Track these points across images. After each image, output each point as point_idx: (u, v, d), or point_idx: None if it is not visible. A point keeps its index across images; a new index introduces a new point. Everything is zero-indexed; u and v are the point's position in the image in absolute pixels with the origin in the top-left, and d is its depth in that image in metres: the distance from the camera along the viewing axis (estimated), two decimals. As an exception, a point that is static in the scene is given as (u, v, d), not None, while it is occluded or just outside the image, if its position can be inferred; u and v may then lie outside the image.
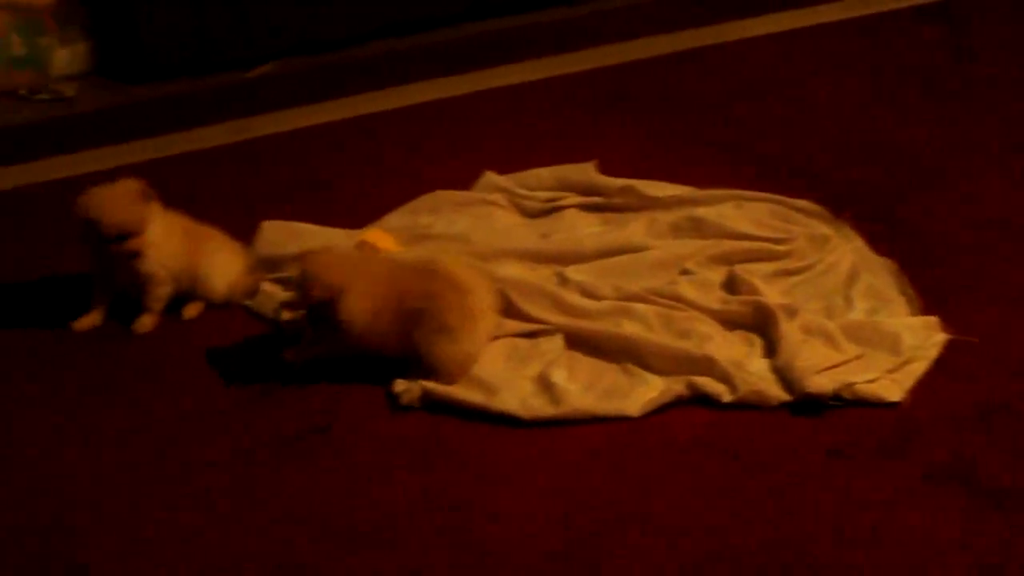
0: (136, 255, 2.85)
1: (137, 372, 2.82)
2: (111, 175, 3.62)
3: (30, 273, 3.21)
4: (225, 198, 3.44)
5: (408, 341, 2.67)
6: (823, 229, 3.11)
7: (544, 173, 3.40)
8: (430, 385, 2.61)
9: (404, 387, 2.64)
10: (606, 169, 3.42)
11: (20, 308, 3.08)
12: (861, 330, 2.73)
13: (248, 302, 3.00)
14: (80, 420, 2.67)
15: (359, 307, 2.68)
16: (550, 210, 3.29)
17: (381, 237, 3.07)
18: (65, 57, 4.15)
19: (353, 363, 2.77)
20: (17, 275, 3.22)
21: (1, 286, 3.18)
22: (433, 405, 2.62)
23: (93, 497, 2.45)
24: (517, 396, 2.60)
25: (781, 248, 3.02)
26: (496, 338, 2.78)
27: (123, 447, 2.58)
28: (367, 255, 2.95)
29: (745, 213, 3.17)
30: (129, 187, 2.87)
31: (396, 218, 3.27)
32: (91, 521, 2.38)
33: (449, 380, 2.65)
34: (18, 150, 3.87)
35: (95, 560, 2.29)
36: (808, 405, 2.55)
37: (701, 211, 3.16)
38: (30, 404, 2.74)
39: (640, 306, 2.82)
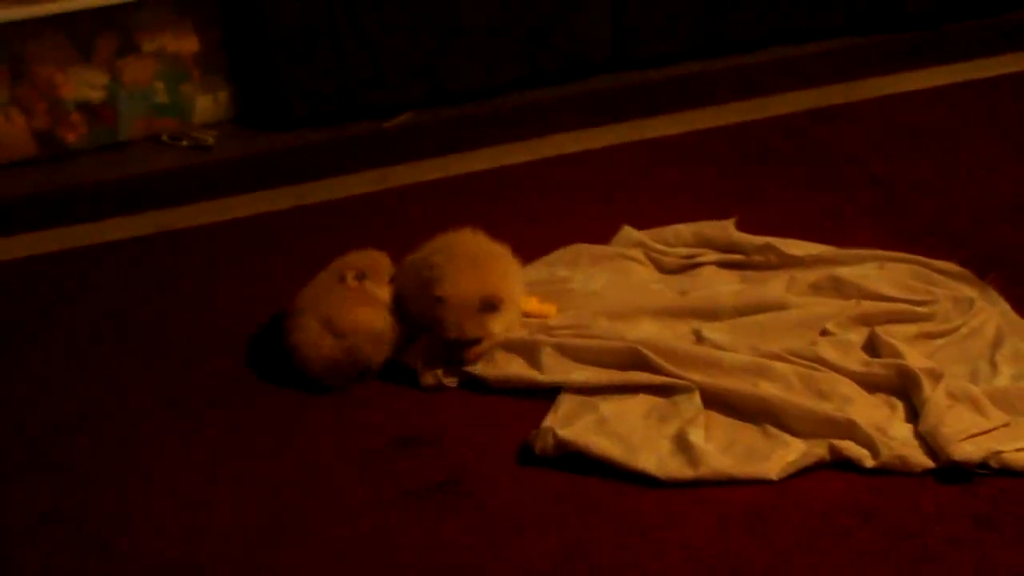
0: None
1: (277, 418, 2.88)
2: (252, 222, 3.78)
3: (173, 316, 3.30)
4: (364, 247, 3.49)
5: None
6: (967, 292, 3.08)
7: (683, 229, 3.41)
8: (565, 434, 2.63)
9: (538, 434, 2.67)
10: (745, 226, 3.42)
11: (169, 350, 3.17)
12: (1008, 396, 2.70)
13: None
14: (222, 465, 2.73)
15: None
16: (688, 266, 3.30)
17: (532, 303, 3.13)
18: (206, 104, 4.26)
19: (487, 414, 2.81)
20: (158, 319, 3.31)
21: (147, 330, 3.26)
22: (567, 458, 2.63)
23: (230, 540, 2.50)
24: (655, 455, 2.60)
25: (924, 310, 2.99)
26: (635, 392, 2.80)
27: (266, 495, 2.63)
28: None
29: (887, 274, 3.15)
30: None
31: (534, 271, 3.30)
32: (228, 566, 2.44)
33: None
34: (159, 195, 3.98)
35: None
36: (954, 472, 2.52)
37: (842, 271, 3.14)
38: (173, 445, 2.81)
39: (779, 365, 2.81)
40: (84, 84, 4.06)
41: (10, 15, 3.89)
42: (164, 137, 4.17)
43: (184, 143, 4.15)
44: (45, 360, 3.16)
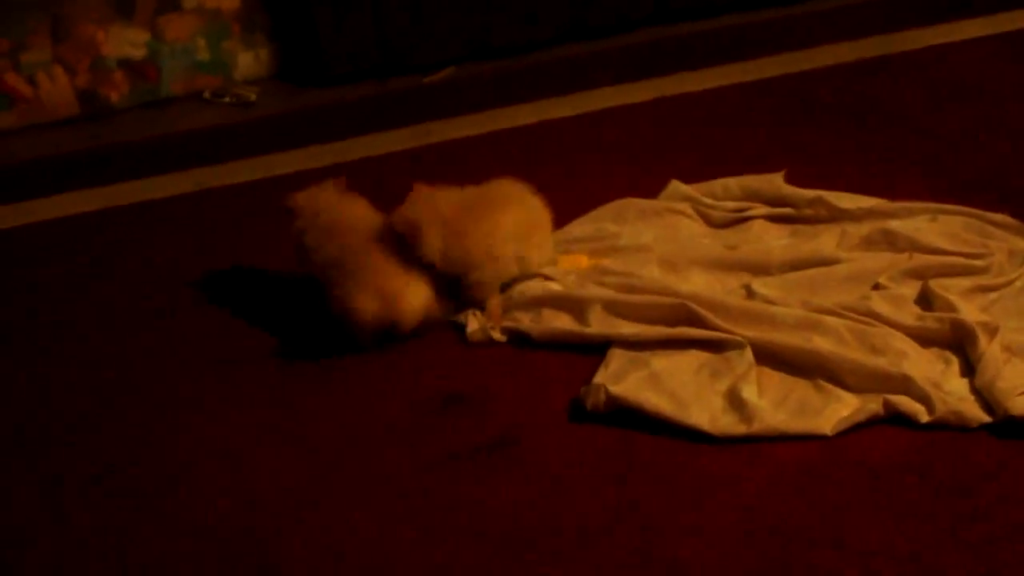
0: None
1: (323, 377, 2.87)
2: (294, 179, 3.76)
3: (217, 275, 3.30)
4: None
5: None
6: (1022, 244, 3.04)
7: (731, 183, 3.37)
8: (617, 390, 2.60)
9: (589, 390, 2.64)
10: (793, 180, 3.38)
11: (213, 309, 3.16)
12: (1065, 350, 2.67)
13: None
14: (272, 426, 2.72)
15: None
16: (737, 220, 3.27)
17: (577, 260, 3.10)
18: (248, 61, 4.25)
19: (536, 371, 2.80)
20: (202, 278, 3.31)
21: (190, 289, 3.26)
22: (618, 415, 2.61)
23: (283, 502, 2.49)
24: (707, 411, 2.58)
25: (978, 263, 2.95)
26: (686, 348, 2.77)
27: (313, 455, 2.62)
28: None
29: (940, 227, 3.11)
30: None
31: (580, 226, 3.28)
32: (280, 525, 2.42)
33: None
34: (202, 152, 3.97)
35: (285, 562, 2.33)
36: (1010, 427, 2.49)
37: (894, 224, 3.11)
38: (225, 408, 2.80)
39: (832, 320, 2.77)
40: (126, 42, 4.06)
41: (50, -26, 3.89)
42: (206, 94, 4.16)
43: (226, 100, 4.14)
44: (89, 320, 3.16)
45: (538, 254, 3.06)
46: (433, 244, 2.92)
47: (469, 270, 2.97)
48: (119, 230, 3.59)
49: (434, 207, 2.96)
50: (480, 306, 2.99)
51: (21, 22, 3.94)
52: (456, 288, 2.99)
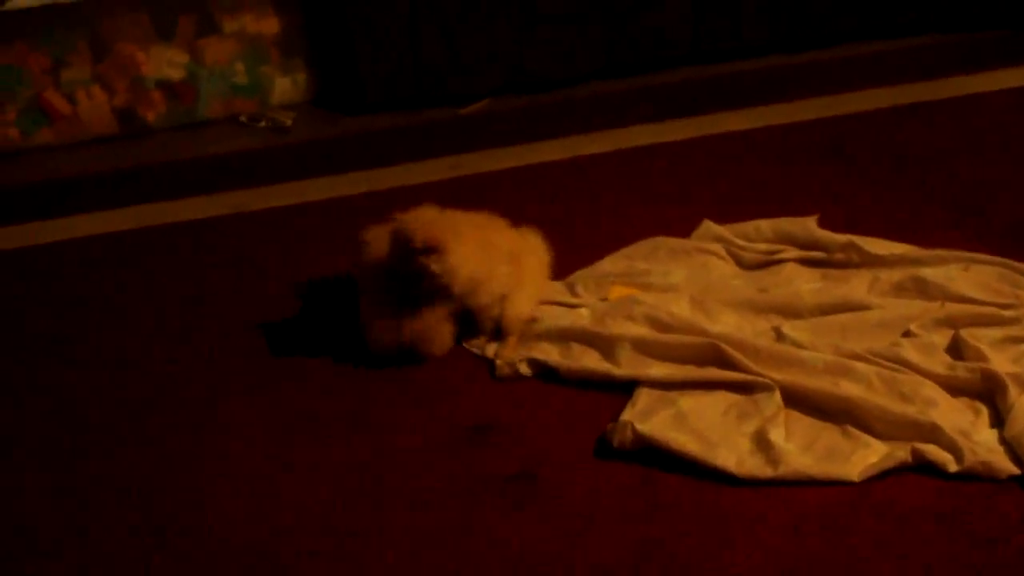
0: None
1: (351, 403, 2.87)
2: (326, 205, 3.78)
3: (248, 297, 3.31)
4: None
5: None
6: (1054, 296, 3.03)
7: (764, 225, 3.38)
8: (644, 429, 2.60)
9: (616, 428, 2.64)
10: (826, 224, 3.38)
11: (244, 331, 3.17)
12: (1094, 405, 2.65)
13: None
14: (300, 451, 2.72)
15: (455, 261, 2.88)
16: (769, 263, 3.27)
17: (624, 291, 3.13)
18: (285, 87, 4.27)
19: (562, 406, 2.79)
20: (234, 299, 3.32)
21: (222, 311, 3.27)
22: (643, 453, 2.61)
23: (307, 528, 2.49)
24: (734, 453, 2.57)
25: (1009, 314, 2.94)
26: (714, 389, 2.77)
27: (339, 481, 2.62)
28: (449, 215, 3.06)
29: (972, 276, 3.10)
30: None
31: (611, 262, 3.28)
32: (304, 551, 2.42)
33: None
34: (236, 176, 3.99)
35: (305, 589, 2.34)
36: (1039, 480, 2.48)
37: (926, 272, 3.10)
38: (253, 430, 2.80)
39: (861, 366, 2.76)
40: (165, 63, 4.09)
41: (92, -7, 3.93)
42: (243, 118, 4.19)
43: (262, 124, 4.16)
44: (121, 337, 3.17)
45: (530, 279, 3.09)
46: (454, 267, 2.92)
47: (473, 291, 2.98)
48: (154, 249, 3.61)
49: (452, 227, 2.97)
50: (489, 333, 3.01)
51: (62, 40, 3.97)
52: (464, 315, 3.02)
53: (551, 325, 3.01)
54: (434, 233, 2.91)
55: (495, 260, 3.01)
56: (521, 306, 3.03)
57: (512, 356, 2.94)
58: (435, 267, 2.89)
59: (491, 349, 2.99)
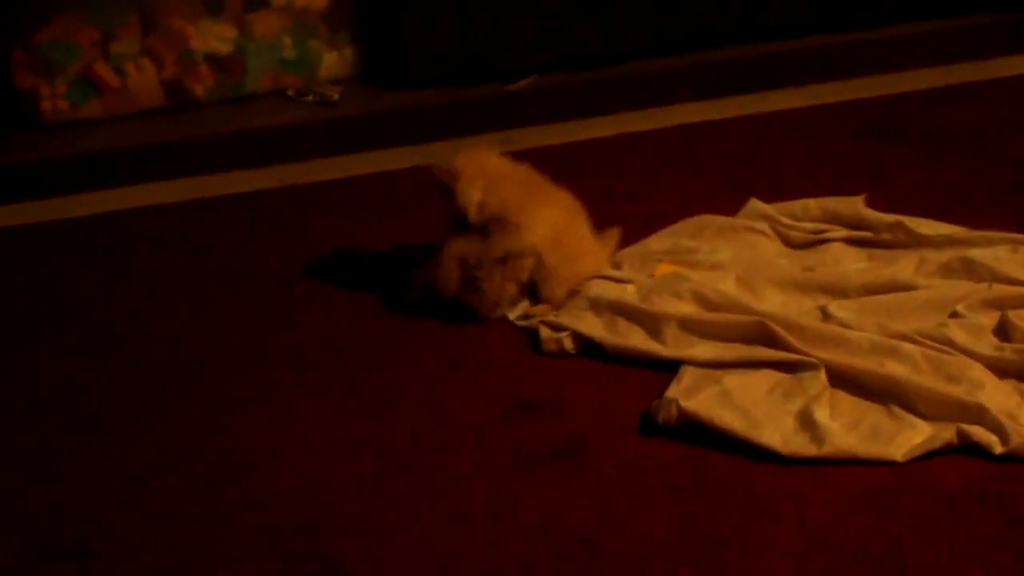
0: None
1: (397, 377, 2.89)
2: (373, 179, 3.80)
3: (295, 270, 3.33)
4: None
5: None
6: (1103, 278, 3.01)
7: (811, 204, 3.37)
8: (688, 406, 2.60)
9: (661, 404, 2.64)
10: (873, 203, 3.37)
11: (291, 303, 3.20)
12: None
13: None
14: (342, 424, 2.74)
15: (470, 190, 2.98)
16: (815, 242, 3.26)
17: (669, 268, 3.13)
18: (333, 61, 4.29)
19: (607, 382, 2.80)
20: (280, 272, 3.34)
21: (268, 283, 3.29)
22: (687, 430, 2.61)
23: (350, 501, 2.51)
24: (779, 431, 2.57)
25: (1058, 296, 2.93)
26: (759, 367, 2.77)
27: (380, 455, 2.64)
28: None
29: (1020, 257, 3.07)
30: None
31: (658, 240, 3.28)
32: (345, 524, 2.44)
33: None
34: (283, 149, 4.01)
35: (348, 561, 2.34)
36: (1085, 463, 2.47)
37: (974, 252, 3.08)
38: (295, 404, 2.82)
39: (907, 346, 2.75)
40: (213, 37, 4.11)
41: (142, -34, 3.95)
42: (290, 92, 4.21)
43: (310, 98, 4.18)
44: (170, 308, 3.21)
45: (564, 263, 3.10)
46: (469, 194, 2.97)
47: (501, 228, 3.01)
48: (201, 221, 3.63)
49: (480, 163, 3.02)
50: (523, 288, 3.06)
51: (112, 14, 3.99)
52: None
53: (600, 294, 3.02)
54: (456, 163, 3.01)
55: (537, 204, 3.04)
56: (561, 277, 3.06)
57: (542, 315, 2.99)
58: (454, 190, 2.99)
59: (521, 308, 3.02)
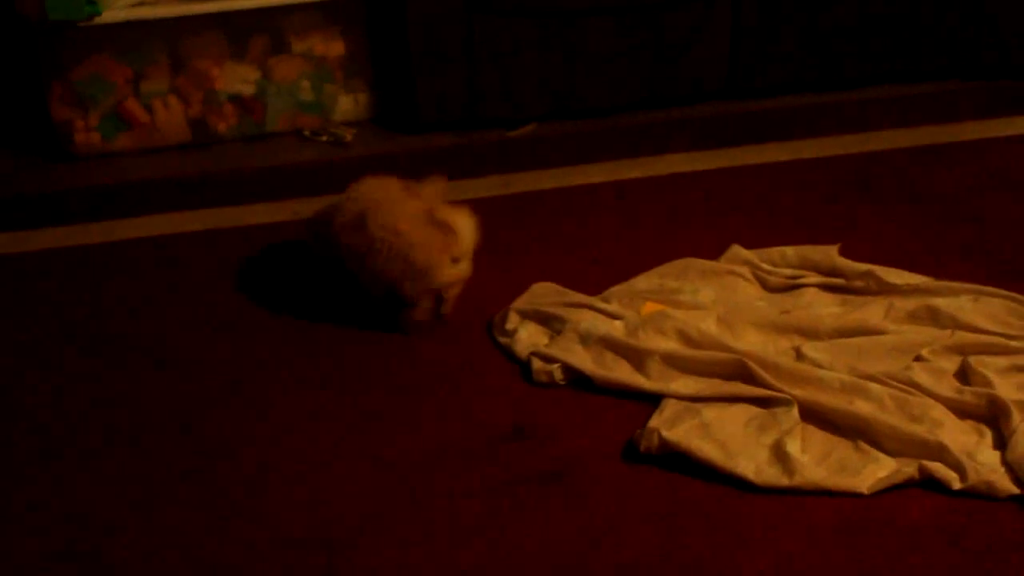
0: None
1: (400, 403, 2.91)
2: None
3: (307, 299, 3.35)
4: (486, 248, 3.51)
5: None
6: (1059, 330, 3.04)
7: (789, 251, 3.40)
8: (670, 436, 2.63)
9: (644, 433, 2.67)
10: (847, 252, 3.40)
11: (304, 331, 3.22)
12: (1094, 433, 2.66)
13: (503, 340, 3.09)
14: (350, 443, 2.77)
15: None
16: (792, 287, 3.29)
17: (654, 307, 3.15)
18: (347, 105, 4.32)
19: (594, 411, 2.82)
20: (294, 300, 3.36)
21: (283, 310, 3.32)
22: (668, 459, 2.63)
23: (356, 516, 2.53)
24: (754, 462, 2.60)
25: (1016, 344, 2.94)
26: (736, 402, 2.79)
27: (385, 474, 2.66)
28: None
29: (982, 307, 3.11)
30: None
31: (644, 280, 3.31)
32: (353, 538, 2.47)
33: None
34: (298, 185, 4.04)
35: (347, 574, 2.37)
36: (1037, 500, 2.49)
37: (938, 301, 3.11)
38: (306, 423, 2.85)
39: (875, 386, 2.78)
40: (237, 79, 4.14)
41: (174, 11, 3.99)
42: (306, 132, 4.24)
43: (324, 138, 4.20)
44: (188, 333, 3.22)
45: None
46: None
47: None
48: (221, 250, 3.65)
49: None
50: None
51: (144, 54, 4.03)
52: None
53: (590, 328, 3.03)
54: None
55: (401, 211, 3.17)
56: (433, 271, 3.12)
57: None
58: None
59: (537, 360, 3.01)
